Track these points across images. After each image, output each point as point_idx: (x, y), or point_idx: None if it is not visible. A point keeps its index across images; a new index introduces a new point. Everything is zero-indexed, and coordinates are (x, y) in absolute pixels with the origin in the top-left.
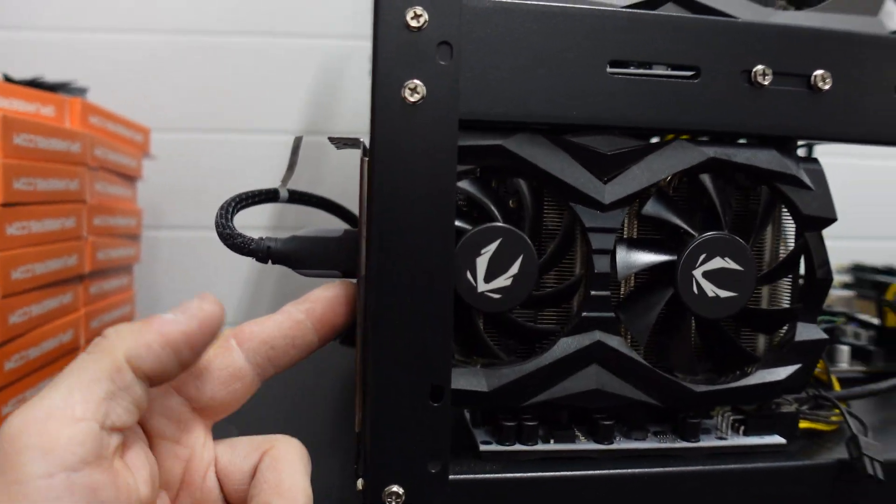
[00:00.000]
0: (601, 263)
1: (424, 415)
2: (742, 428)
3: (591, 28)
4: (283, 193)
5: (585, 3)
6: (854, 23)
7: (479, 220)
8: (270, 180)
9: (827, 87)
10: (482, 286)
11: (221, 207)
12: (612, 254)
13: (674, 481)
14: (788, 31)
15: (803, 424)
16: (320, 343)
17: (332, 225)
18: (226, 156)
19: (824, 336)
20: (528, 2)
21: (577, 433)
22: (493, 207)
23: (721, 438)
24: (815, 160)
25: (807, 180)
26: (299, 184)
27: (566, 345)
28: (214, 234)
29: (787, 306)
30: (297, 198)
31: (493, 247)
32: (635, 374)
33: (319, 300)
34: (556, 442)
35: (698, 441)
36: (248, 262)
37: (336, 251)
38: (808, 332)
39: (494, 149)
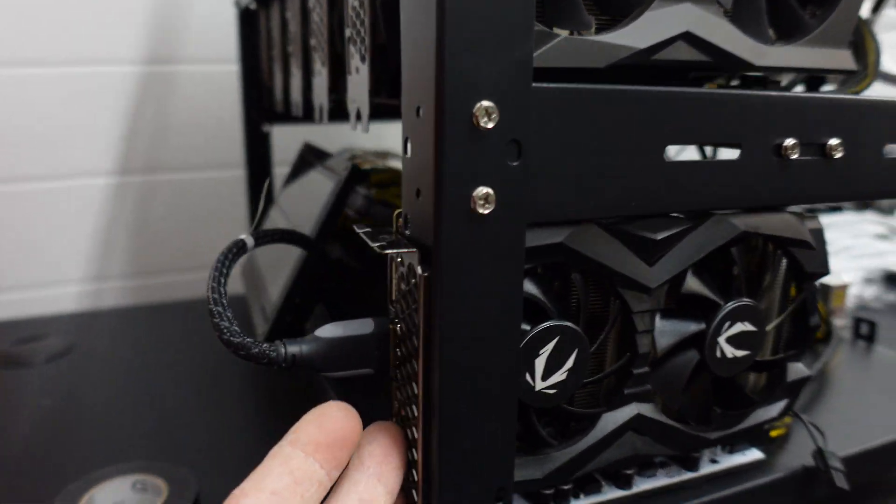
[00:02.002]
0: (644, 343)
1: None
2: (728, 448)
3: (655, 112)
4: (250, 242)
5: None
6: (829, 56)
7: (535, 317)
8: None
9: (839, 154)
10: (539, 384)
11: (214, 309)
12: (652, 331)
13: None
14: (809, 103)
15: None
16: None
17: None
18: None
19: (808, 373)
20: (595, 86)
21: (602, 482)
22: (550, 306)
23: (714, 462)
24: (816, 217)
25: (812, 241)
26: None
27: (610, 421)
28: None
29: (783, 355)
30: (262, 238)
31: (551, 345)
32: (665, 434)
33: (375, 459)
34: (585, 496)
35: (699, 470)
36: (87, 214)
37: (370, 349)
38: (796, 371)
39: (555, 247)
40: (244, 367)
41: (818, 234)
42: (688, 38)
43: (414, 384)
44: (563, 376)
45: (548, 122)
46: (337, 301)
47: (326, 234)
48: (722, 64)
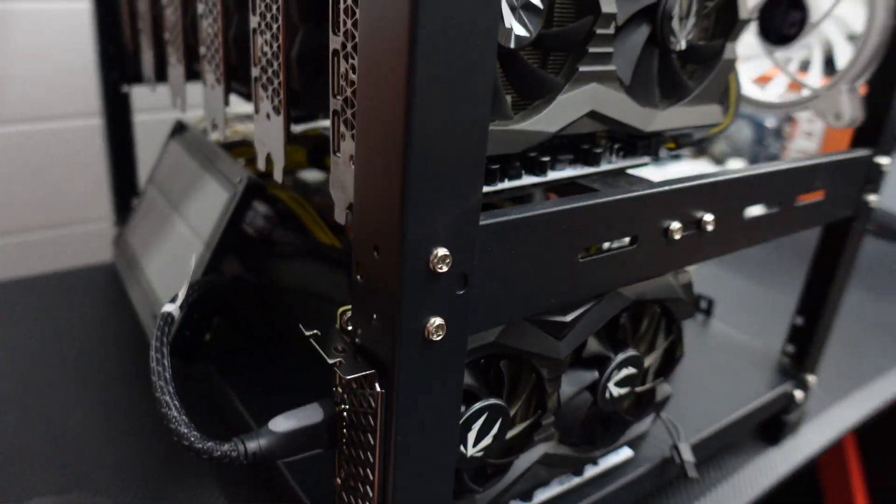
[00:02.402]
0: (553, 401)
1: None
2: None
3: (569, 226)
4: (176, 312)
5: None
6: (705, 113)
7: (467, 398)
8: None
9: (711, 227)
10: (471, 451)
11: (168, 414)
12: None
13: None
14: (689, 190)
15: None
16: None
17: None
18: None
19: (670, 392)
20: (525, 213)
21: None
22: (480, 389)
23: (595, 465)
24: (687, 272)
25: (683, 296)
26: None
27: (523, 461)
28: None
29: (653, 384)
30: (185, 302)
31: (480, 420)
32: (563, 460)
33: None
34: None
35: (584, 475)
36: None
37: (321, 433)
38: (663, 392)
39: (489, 345)
40: (117, 349)
41: (688, 287)
42: (592, 115)
43: (364, 458)
44: (489, 441)
45: (487, 251)
46: (235, 314)
47: (223, 252)
48: (618, 132)
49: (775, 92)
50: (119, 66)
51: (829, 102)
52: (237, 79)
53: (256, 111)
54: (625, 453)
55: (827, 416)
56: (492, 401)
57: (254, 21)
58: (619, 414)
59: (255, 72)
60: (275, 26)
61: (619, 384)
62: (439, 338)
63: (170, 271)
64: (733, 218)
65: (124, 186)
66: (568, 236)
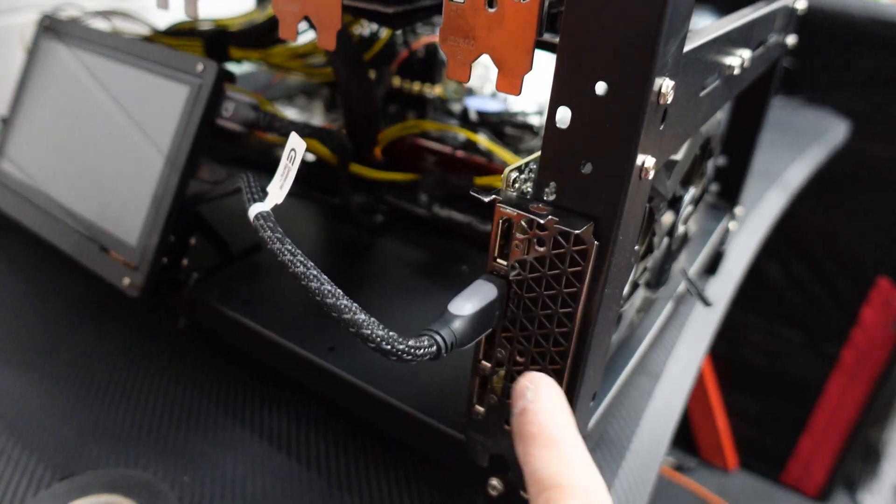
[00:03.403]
0: (656, 242)
1: None
2: None
3: (705, 56)
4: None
5: None
6: None
7: None
8: None
9: (747, 65)
10: None
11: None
12: None
13: None
14: (748, 25)
15: None
16: None
17: None
18: None
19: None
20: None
21: None
22: None
23: None
24: None
25: (721, 132)
26: None
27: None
28: None
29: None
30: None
31: None
32: None
33: None
34: None
35: None
36: None
37: (494, 310)
38: (691, 229)
39: None
40: (28, 310)
41: (720, 123)
42: None
43: (549, 328)
44: (627, 288)
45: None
46: (211, 229)
47: (197, 157)
48: None
49: None
50: None
51: None
52: None
53: None
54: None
55: (740, 240)
56: (636, 247)
57: None
58: (674, 252)
59: None
60: None
61: (683, 222)
62: (650, 176)
63: (112, 194)
64: (753, 56)
65: None
66: (704, 67)
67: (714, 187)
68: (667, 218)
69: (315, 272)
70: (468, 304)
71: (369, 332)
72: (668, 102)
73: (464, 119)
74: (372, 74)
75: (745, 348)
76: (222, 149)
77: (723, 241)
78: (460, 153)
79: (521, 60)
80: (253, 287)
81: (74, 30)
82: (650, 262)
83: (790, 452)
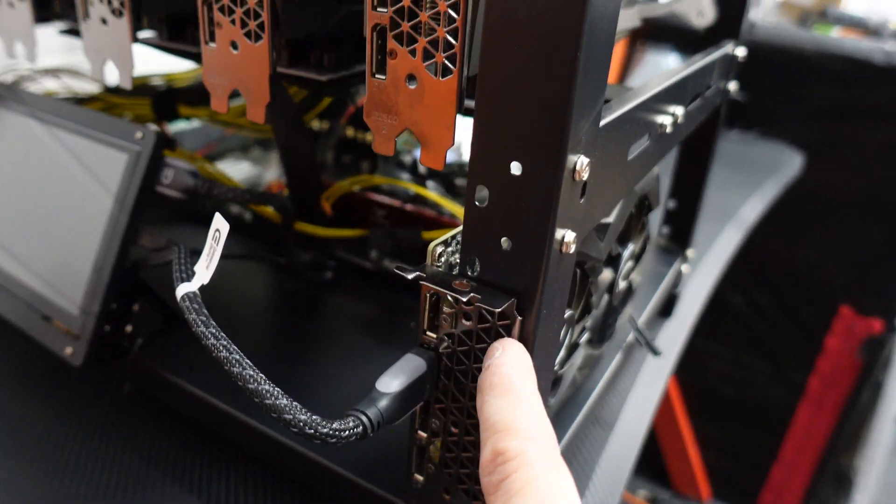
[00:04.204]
0: (594, 303)
1: None
2: None
3: (631, 122)
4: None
5: None
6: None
7: None
8: None
9: (681, 121)
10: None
11: (262, 389)
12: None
13: None
14: (678, 84)
15: None
16: None
17: None
18: None
19: (640, 279)
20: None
21: None
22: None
23: None
24: None
25: (657, 187)
26: None
27: (572, 368)
28: None
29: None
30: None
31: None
32: None
33: None
34: None
35: None
36: None
37: (424, 384)
38: (637, 280)
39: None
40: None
41: (658, 178)
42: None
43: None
44: (563, 352)
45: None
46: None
47: (137, 223)
48: None
49: None
50: None
51: (691, 3)
52: None
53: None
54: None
55: (695, 280)
56: (570, 312)
57: None
58: (616, 307)
59: None
60: None
61: (623, 278)
62: (572, 250)
63: (51, 263)
64: (687, 111)
65: None
66: (627, 135)
67: (665, 230)
68: (605, 276)
69: (238, 356)
70: (395, 381)
71: (291, 416)
72: (585, 178)
73: (414, 171)
74: (325, 125)
75: (713, 378)
76: (177, 203)
77: (676, 283)
78: (409, 207)
79: (442, 135)
80: (198, 351)
81: (15, 94)
82: (589, 321)
83: (762, 481)
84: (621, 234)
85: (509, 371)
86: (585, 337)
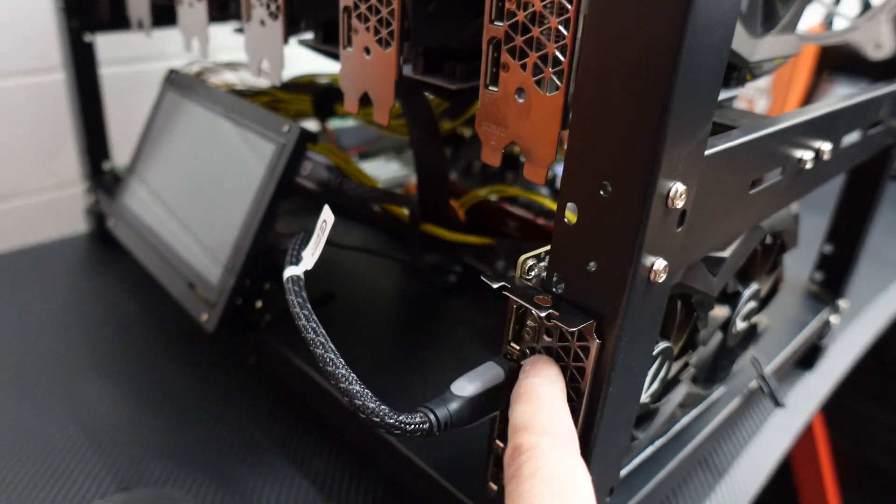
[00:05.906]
0: (702, 339)
1: None
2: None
3: (749, 156)
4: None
5: None
6: (789, 43)
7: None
8: None
9: (827, 157)
10: (644, 398)
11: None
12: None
13: None
14: (819, 119)
15: None
16: None
17: None
18: None
19: (768, 322)
20: (733, 143)
21: None
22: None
23: None
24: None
25: (794, 226)
26: None
27: (668, 404)
28: None
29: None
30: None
31: (655, 365)
32: (693, 399)
33: None
34: None
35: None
36: None
37: (501, 394)
38: (763, 324)
39: (675, 286)
40: (127, 328)
41: (797, 217)
42: None
43: None
44: (656, 385)
45: (702, 185)
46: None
47: (275, 209)
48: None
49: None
50: (79, 12)
51: (868, 33)
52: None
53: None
54: (719, 391)
55: (847, 335)
56: (666, 344)
57: None
58: (734, 348)
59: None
60: None
61: (743, 318)
62: (662, 280)
63: (203, 236)
64: (838, 147)
65: (95, 149)
66: (748, 167)
67: (817, 276)
68: (719, 313)
69: (323, 339)
70: (470, 385)
71: (361, 402)
72: (681, 206)
73: (552, 185)
74: (468, 132)
75: (876, 449)
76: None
77: (822, 334)
78: (541, 221)
79: (545, 151)
80: None
81: (192, 84)
82: (694, 358)
83: None
84: (742, 271)
85: (534, 381)
86: (689, 373)
